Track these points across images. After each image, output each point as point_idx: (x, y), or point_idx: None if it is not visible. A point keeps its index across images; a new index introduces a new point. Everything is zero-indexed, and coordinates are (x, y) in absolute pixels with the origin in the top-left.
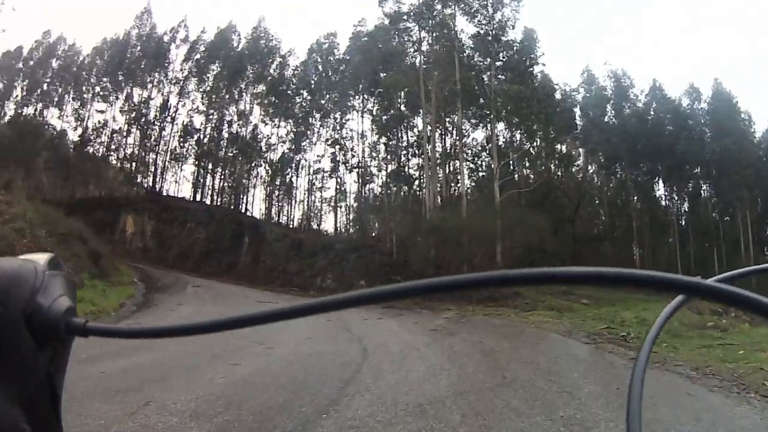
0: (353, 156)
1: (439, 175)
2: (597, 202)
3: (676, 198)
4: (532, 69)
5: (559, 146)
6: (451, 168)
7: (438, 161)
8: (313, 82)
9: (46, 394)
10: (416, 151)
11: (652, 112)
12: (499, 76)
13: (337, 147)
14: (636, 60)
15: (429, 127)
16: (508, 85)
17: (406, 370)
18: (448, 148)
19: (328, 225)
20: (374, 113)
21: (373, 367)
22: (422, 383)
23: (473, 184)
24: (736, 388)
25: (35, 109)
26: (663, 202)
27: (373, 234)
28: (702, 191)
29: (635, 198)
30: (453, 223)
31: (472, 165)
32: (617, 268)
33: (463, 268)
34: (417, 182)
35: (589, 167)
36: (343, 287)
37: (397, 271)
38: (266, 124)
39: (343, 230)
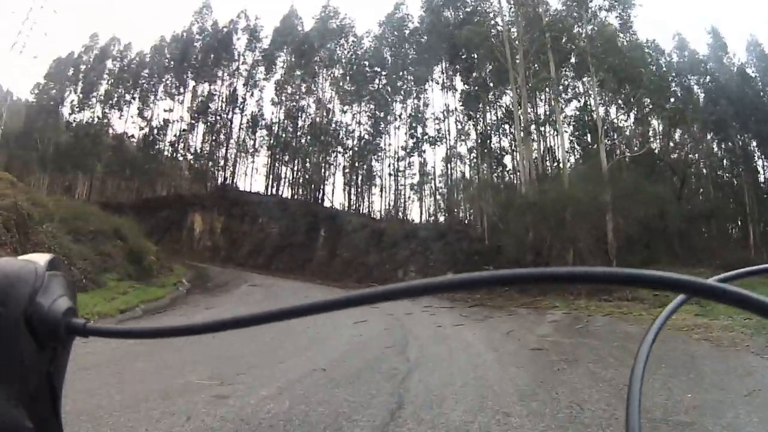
0: (438, 132)
1: (534, 147)
2: (703, 174)
3: None
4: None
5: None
6: (546, 140)
7: (531, 131)
8: (389, 58)
9: (46, 394)
10: (506, 122)
11: (753, 73)
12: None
13: (418, 123)
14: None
15: (518, 87)
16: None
17: None
18: (541, 115)
19: (413, 213)
20: (454, 81)
21: None
22: None
23: (573, 154)
24: None
25: (93, 113)
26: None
27: (462, 219)
28: None
29: (741, 169)
30: (553, 197)
31: (567, 129)
32: (620, 268)
33: (566, 256)
34: (509, 157)
35: (689, 137)
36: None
37: (488, 258)
38: (344, 112)
39: (429, 217)
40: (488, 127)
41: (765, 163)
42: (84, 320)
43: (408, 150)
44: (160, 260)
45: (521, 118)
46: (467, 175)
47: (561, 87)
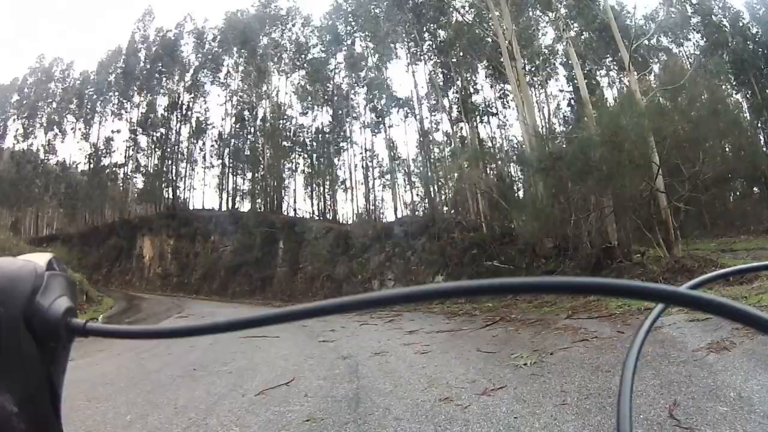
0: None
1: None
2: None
3: None
4: None
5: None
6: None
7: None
8: (344, 33)
9: (46, 394)
10: (493, 75)
11: None
12: None
13: (381, 93)
14: None
15: (506, 27)
16: None
17: None
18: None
19: (387, 211)
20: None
21: None
22: None
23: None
24: None
25: (36, 141)
26: None
27: (449, 205)
28: None
29: None
30: (589, 142)
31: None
32: (593, 277)
33: (607, 231)
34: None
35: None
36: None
37: (492, 251)
38: (304, 114)
39: (405, 211)
40: (468, 83)
41: None
42: (84, 320)
43: (373, 125)
44: (84, 292)
45: (515, 68)
46: (448, 148)
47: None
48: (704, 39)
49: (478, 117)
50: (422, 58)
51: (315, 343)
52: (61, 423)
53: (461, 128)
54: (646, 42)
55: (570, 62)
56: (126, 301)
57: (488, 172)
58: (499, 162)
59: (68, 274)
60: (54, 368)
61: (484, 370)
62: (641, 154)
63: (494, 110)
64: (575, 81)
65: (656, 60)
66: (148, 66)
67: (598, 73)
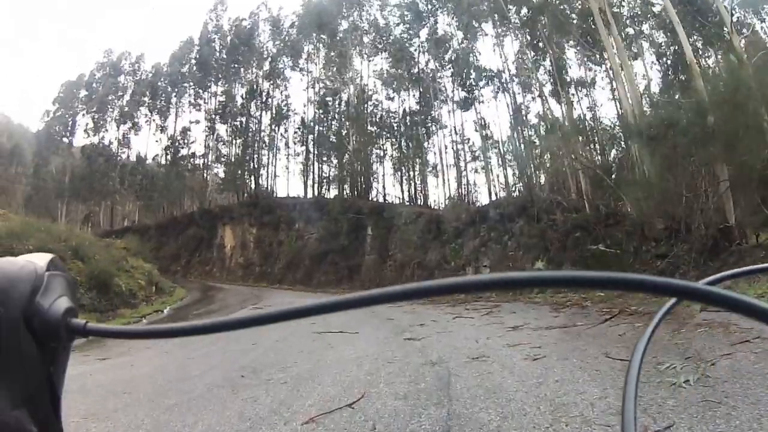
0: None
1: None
2: None
3: None
4: None
5: None
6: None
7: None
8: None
9: (46, 394)
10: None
11: None
12: None
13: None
14: None
15: None
16: None
17: None
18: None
19: (481, 195)
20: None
21: None
22: None
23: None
24: None
25: (108, 134)
26: None
27: (547, 186)
28: None
29: None
30: (701, 108)
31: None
32: (607, 272)
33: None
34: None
35: None
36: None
37: (597, 234)
38: (390, 99)
39: (499, 193)
40: (559, 56)
41: None
42: (84, 320)
43: (462, 102)
44: (154, 283)
45: (608, 14)
46: (543, 125)
47: None
48: None
49: (573, 91)
50: (509, 33)
51: (399, 341)
52: (62, 423)
53: (552, 107)
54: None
55: (668, 23)
56: (201, 291)
57: (589, 148)
58: (601, 136)
59: (68, 274)
60: (54, 368)
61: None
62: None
63: (589, 84)
64: (671, 49)
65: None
66: (225, 56)
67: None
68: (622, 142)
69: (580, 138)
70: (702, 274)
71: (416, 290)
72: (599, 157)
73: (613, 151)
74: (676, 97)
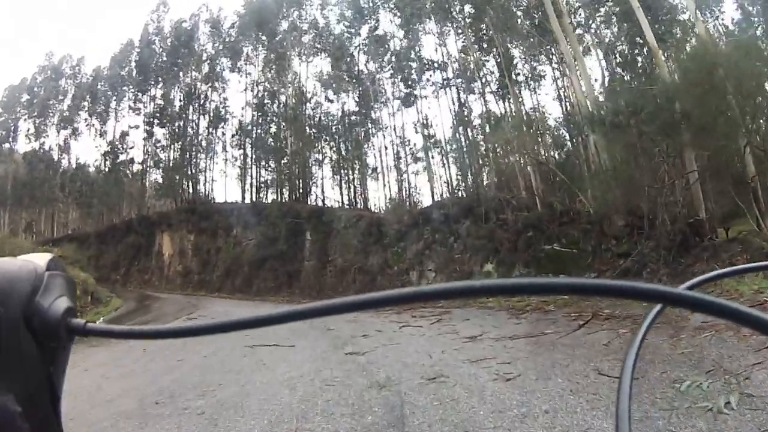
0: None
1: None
2: None
3: None
4: None
5: None
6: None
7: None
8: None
9: (46, 394)
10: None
11: None
12: None
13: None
14: None
15: None
16: None
17: None
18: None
19: (422, 196)
20: None
21: None
22: None
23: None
24: None
25: (48, 140)
26: None
27: (493, 183)
28: None
29: None
30: (670, 92)
31: None
32: (591, 279)
33: None
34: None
35: None
36: (454, 280)
37: (551, 233)
38: (330, 101)
39: (443, 194)
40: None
41: None
42: (84, 320)
43: (403, 98)
44: (89, 293)
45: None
46: (488, 124)
47: None
48: None
49: (521, 88)
50: (453, 31)
51: (340, 356)
52: (61, 423)
53: (497, 105)
54: None
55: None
56: (137, 301)
57: (538, 144)
58: (552, 131)
59: (68, 274)
60: (54, 368)
61: (653, 427)
62: (747, 96)
63: (538, 78)
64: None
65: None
66: (165, 58)
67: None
68: (574, 138)
69: (530, 131)
70: (673, 272)
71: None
72: (548, 153)
73: (566, 147)
74: (636, 85)
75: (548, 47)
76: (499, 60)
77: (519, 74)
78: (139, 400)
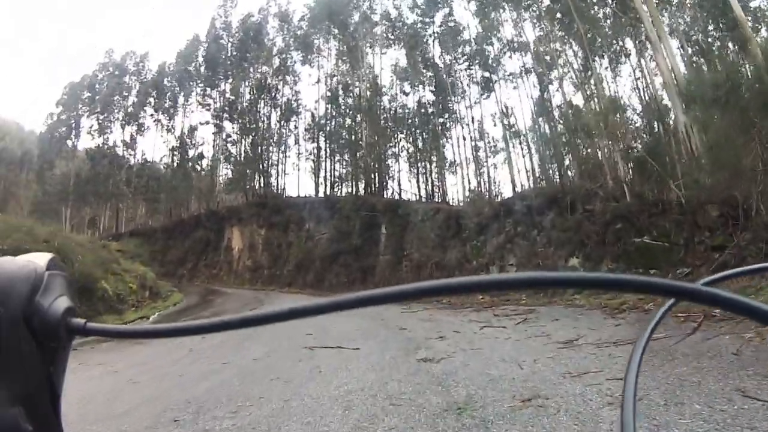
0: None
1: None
2: None
3: None
4: None
5: None
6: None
7: None
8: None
9: (46, 394)
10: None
11: None
12: None
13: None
14: None
15: None
16: None
17: None
18: None
19: (502, 187)
20: None
21: None
22: None
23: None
24: None
25: (112, 136)
26: None
27: (579, 174)
28: None
29: None
30: None
31: None
32: (606, 273)
33: None
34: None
35: None
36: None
37: (640, 225)
38: (405, 93)
39: (524, 185)
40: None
41: None
42: (84, 319)
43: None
44: (147, 287)
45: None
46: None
47: None
48: None
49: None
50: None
51: (411, 364)
52: (61, 423)
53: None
54: None
55: None
56: (200, 296)
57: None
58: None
59: (68, 274)
60: (54, 368)
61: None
62: None
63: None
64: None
65: None
66: (234, 53)
67: None
68: (658, 124)
69: (618, 117)
70: None
71: (427, 289)
72: (635, 140)
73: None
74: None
75: (629, 27)
76: (576, 48)
77: (603, 55)
78: (156, 415)
